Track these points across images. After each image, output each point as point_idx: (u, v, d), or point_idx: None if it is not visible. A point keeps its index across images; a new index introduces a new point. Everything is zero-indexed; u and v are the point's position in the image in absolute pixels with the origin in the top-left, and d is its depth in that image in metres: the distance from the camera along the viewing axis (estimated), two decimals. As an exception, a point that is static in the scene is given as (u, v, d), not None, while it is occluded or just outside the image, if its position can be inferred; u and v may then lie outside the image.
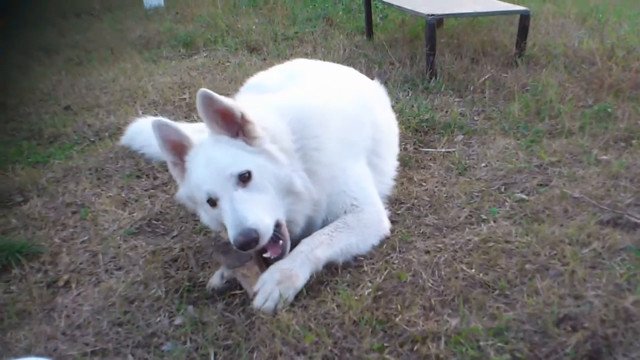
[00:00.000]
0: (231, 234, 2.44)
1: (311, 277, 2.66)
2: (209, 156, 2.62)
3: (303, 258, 2.66)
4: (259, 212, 2.49)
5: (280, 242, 2.62)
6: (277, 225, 2.59)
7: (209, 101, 2.58)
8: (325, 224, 2.94)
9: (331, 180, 2.93)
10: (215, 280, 2.70)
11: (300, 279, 2.61)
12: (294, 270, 2.60)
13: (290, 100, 3.03)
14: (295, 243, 2.75)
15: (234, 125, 2.65)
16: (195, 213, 3.02)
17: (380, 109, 3.58)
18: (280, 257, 2.62)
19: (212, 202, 2.59)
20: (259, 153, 2.63)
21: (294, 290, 2.57)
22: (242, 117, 2.64)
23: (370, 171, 3.17)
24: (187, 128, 2.81)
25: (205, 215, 2.78)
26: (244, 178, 2.54)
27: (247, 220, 2.42)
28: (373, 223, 2.95)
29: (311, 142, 2.86)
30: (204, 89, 2.56)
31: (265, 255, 2.62)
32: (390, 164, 3.50)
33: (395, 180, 3.50)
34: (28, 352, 2.39)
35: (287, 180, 2.67)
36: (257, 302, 2.51)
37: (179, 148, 2.74)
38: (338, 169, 2.96)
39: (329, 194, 2.93)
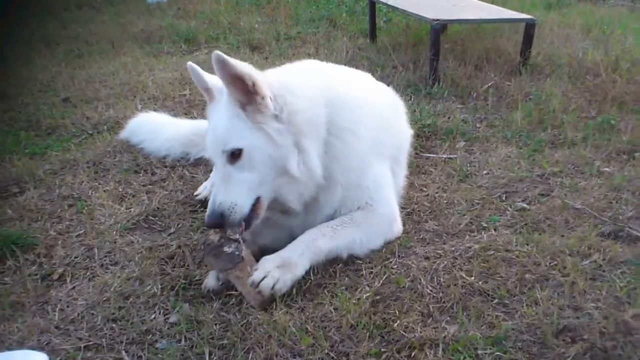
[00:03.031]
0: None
1: (313, 273, 2.67)
2: (215, 124, 2.69)
3: (303, 248, 2.67)
4: (232, 194, 2.56)
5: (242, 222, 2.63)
6: (255, 204, 2.63)
7: (222, 65, 2.52)
8: (335, 214, 2.92)
9: (354, 169, 2.88)
10: (210, 281, 2.67)
11: (300, 267, 2.62)
12: (293, 258, 2.62)
13: (335, 81, 3.05)
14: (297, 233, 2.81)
15: (249, 92, 2.59)
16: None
17: (403, 119, 3.51)
18: (245, 228, 2.63)
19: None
20: (257, 130, 2.59)
21: (292, 276, 2.58)
22: (254, 85, 2.58)
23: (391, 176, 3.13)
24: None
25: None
26: (235, 155, 2.56)
27: (215, 202, 2.54)
28: (382, 223, 2.93)
29: (345, 122, 2.84)
30: (217, 52, 2.50)
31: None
32: (404, 173, 3.44)
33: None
34: (21, 345, 2.36)
35: (282, 162, 2.64)
36: (255, 276, 2.52)
37: (209, 93, 2.81)
38: (363, 161, 2.91)
39: (348, 183, 2.88)
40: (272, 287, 2.49)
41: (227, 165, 2.58)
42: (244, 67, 2.57)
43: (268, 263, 2.57)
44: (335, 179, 2.84)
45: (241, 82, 2.56)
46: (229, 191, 2.56)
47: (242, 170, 2.58)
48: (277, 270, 2.54)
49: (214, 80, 2.77)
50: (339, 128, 2.82)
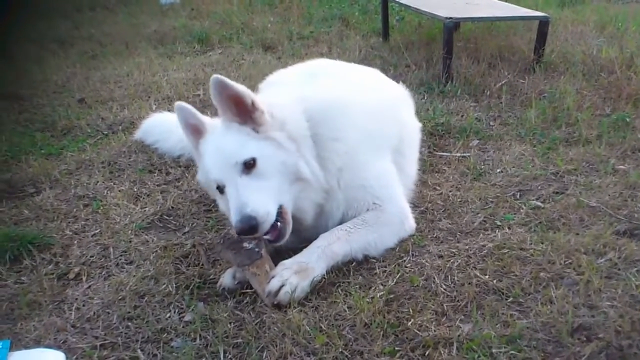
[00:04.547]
0: (233, 220, 2.49)
1: (327, 272, 2.68)
2: (218, 144, 2.69)
3: (320, 253, 2.68)
4: (260, 199, 2.52)
5: (278, 224, 2.61)
6: (280, 211, 2.60)
7: (221, 87, 2.61)
8: (344, 218, 2.92)
9: (348, 171, 2.89)
10: (226, 280, 2.68)
11: (316, 272, 2.62)
12: (310, 263, 2.62)
13: (312, 91, 3.05)
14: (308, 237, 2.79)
15: (244, 112, 2.67)
16: (213, 198, 3.10)
17: (406, 110, 3.54)
18: (277, 239, 2.62)
19: (220, 189, 2.65)
20: (264, 139, 2.64)
21: (309, 282, 2.58)
22: (253, 103, 2.66)
23: (395, 169, 3.12)
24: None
25: (219, 200, 2.86)
26: (249, 165, 2.56)
27: (246, 206, 2.47)
28: (393, 222, 2.93)
29: (328, 132, 2.85)
30: (217, 75, 2.60)
31: (265, 237, 2.61)
32: (413, 168, 3.46)
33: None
34: (38, 344, 2.38)
35: (294, 167, 2.67)
36: (272, 284, 2.51)
37: (197, 132, 2.82)
38: (358, 161, 2.91)
39: (347, 186, 2.89)
40: (290, 295, 2.49)
41: (243, 177, 2.56)
42: (242, 87, 2.68)
43: (286, 270, 2.56)
44: (332, 185, 2.86)
45: (240, 102, 2.65)
46: (254, 196, 2.52)
47: (259, 178, 2.58)
48: (294, 277, 2.54)
49: (204, 117, 2.85)
50: (322, 139, 2.84)
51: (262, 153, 2.60)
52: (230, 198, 2.56)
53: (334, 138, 2.85)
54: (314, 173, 2.75)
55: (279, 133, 2.69)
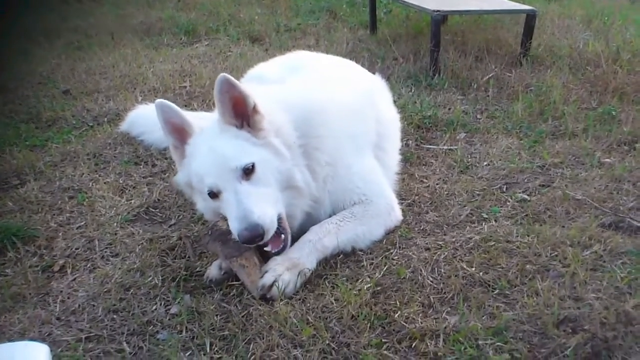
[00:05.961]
0: (236, 228, 2.40)
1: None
2: (213, 147, 2.58)
3: (311, 247, 2.68)
4: (263, 206, 2.46)
5: (282, 236, 2.59)
6: (279, 219, 2.55)
7: (228, 87, 2.54)
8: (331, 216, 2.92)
9: (333, 178, 2.90)
10: (213, 271, 2.67)
11: (308, 267, 2.62)
12: (302, 259, 2.62)
13: (296, 95, 2.98)
14: (294, 238, 2.74)
15: (242, 115, 2.62)
16: (190, 198, 3.00)
17: (384, 103, 3.56)
18: (281, 251, 2.59)
19: (214, 194, 2.55)
20: (262, 145, 2.59)
21: (302, 279, 2.57)
22: (254, 107, 2.61)
23: (377, 164, 3.14)
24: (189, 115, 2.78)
25: (202, 204, 2.76)
26: (248, 171, 2.50)
27: (253, 214, 2.39)
28: (380, 214, 2.94)
29: (312, 142, 2.82)
30: (224, 74, 2.52)
31: (266, 249, 2.57)
32: (394, 158, 3.48)
33: (397, 175, 3.47)
34: (22, 336, 2.36)
35: (289, 174, 2.64)
36: (266, 279, 2.50)
37: (180, 132, 2.72)
38: (341, 166, 2.92)
39: (332, 191, 2.91)
40: (283, 291, 2.49)
41: (244, 183, 2.50)
42: (247, 89, 2.60)
43: (278, 266, 2.54)
44: (320, 194, 2.86)
45: (240, 104, 2.59)
46: (258, 203, 2.45)
47: (258, 184, 2.52)
48: (287, 273, 2.53)
49: (188, 116, 2.74)
50: (308, 149, 2.81)
51: (261, 159, 2.55)
52: (230, 205, 2.47)
53: (315, 147, 2.83)
54: (306, 182, 2.73)
55: (277, 140, 2.65)
